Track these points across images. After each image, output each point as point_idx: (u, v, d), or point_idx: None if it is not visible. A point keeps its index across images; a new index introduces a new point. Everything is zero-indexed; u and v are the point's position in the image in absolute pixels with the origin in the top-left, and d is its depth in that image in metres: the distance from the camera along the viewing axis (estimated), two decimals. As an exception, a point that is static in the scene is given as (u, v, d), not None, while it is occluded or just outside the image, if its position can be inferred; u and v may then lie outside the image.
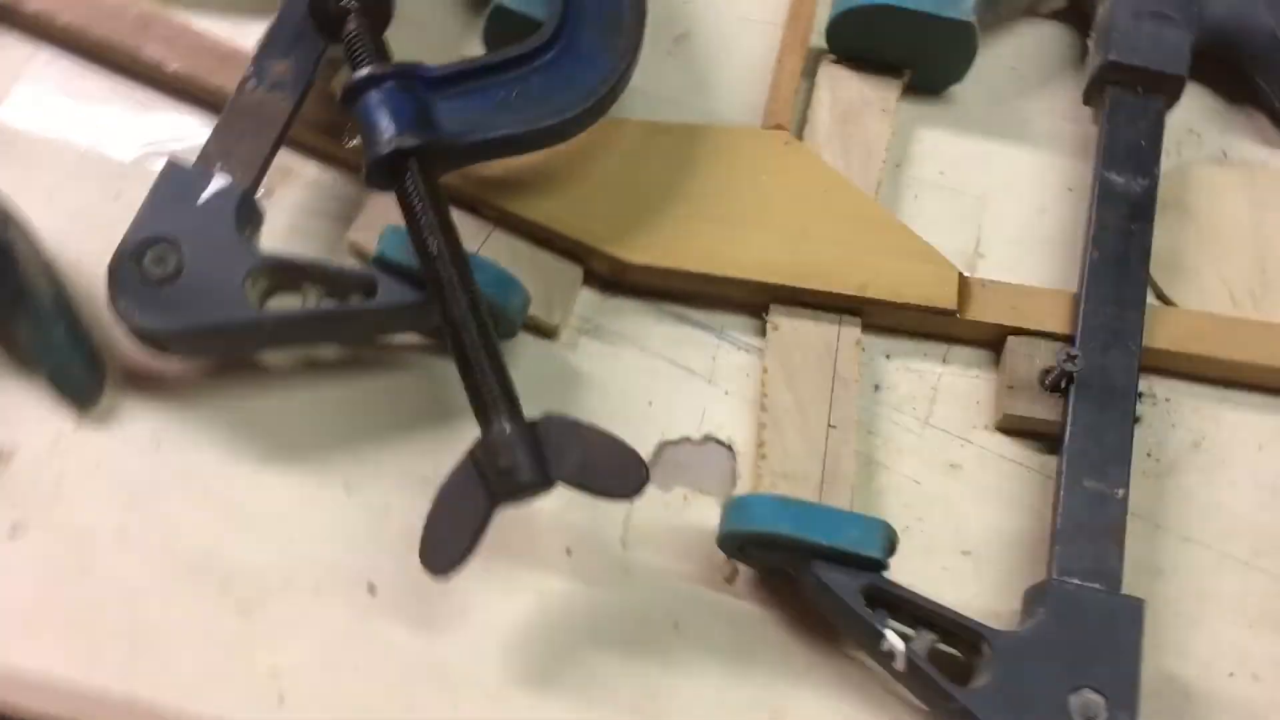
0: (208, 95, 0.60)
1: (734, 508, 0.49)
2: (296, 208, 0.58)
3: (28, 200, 0.57)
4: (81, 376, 0.54)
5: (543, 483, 0.45)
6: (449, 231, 0.49)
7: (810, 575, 0.47)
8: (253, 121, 0.55)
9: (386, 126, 0.49)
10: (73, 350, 0.53)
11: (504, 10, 0.56)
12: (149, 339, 0.51)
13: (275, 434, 0.54)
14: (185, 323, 0.50)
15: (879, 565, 0.47)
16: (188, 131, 0.60)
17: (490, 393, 0.46)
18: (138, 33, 0.60)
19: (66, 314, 0.54)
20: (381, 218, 0.57)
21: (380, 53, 0.52)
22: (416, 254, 0.49)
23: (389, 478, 0.53)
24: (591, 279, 0.57)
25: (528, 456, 0.45)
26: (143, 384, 0.55)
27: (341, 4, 0.52)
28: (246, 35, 0.62)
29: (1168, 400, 0.55)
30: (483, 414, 0.46)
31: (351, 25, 0.52)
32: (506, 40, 0.58)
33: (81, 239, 0.57)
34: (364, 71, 0.50)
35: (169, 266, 0.50)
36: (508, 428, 0.45)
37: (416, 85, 0.51)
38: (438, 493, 0.46)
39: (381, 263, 0.51)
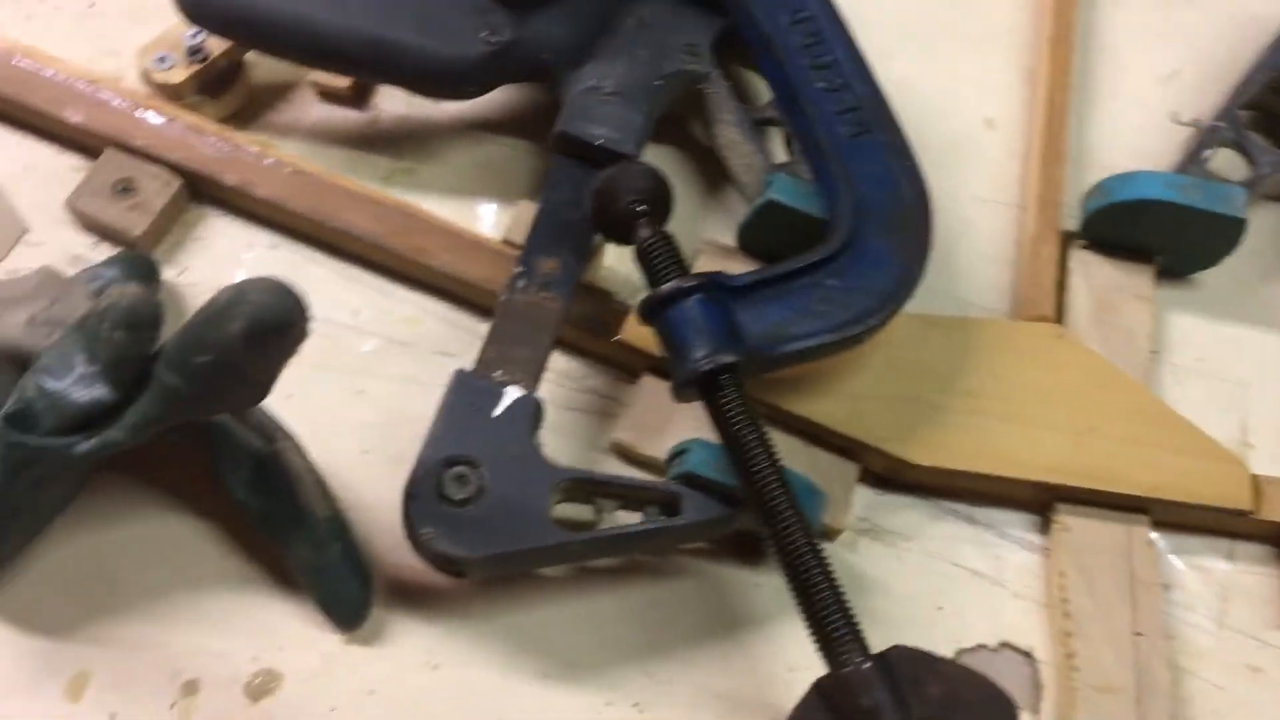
0: (449, 284, 0.58)
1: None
2: (548, 402, 0.57)
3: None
4: (354, 597, 0.51)
5: (904, 721, 0.44)
6: (768, 449, 0.47)
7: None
8: (527, 324, 0.53)
9: (701, 342, 0.48)
10: (347, 572, 0.51)
11: (777, 206, 0.55)
12: (446, 563, 0.49)
13: (555, 649, 0.52)
14: (494, 549, 0.47)
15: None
16: (425, 322, 0.58)
17: (839, 627, 0.45)
18: (380, 223, 0.58)
19: (342, 534, 0.51)
20: (648, 417, 0.55)
21: (678, 259, 0.50)
22: (738, 474, 0.47)
23: (682, 696, 0.51)
24: (863, 475, 0.56)
25: (889, 695, 0.43)
26: (412, 600, 0.52)
27: (632, 209, 0.51)
28: (474, 218, 0.61)
29: None
30: (831, 648, 0.45)
31: (646, 232, 0.51)
32: (769, 233, 0.57)
33: (327, 440, 0.55)
34: (673, 285, 0.49)
35: (470, 488, 0.48)
36: (865, 664, 0.44)
37: (721, 295, 0.50)
38: (783, 730, 0.45)
39: (689, 479, 0.50)
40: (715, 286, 0.49)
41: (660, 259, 0.50)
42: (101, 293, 0.53)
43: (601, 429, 0.56)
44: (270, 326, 0.44)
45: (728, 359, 0.48)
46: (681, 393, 0.49)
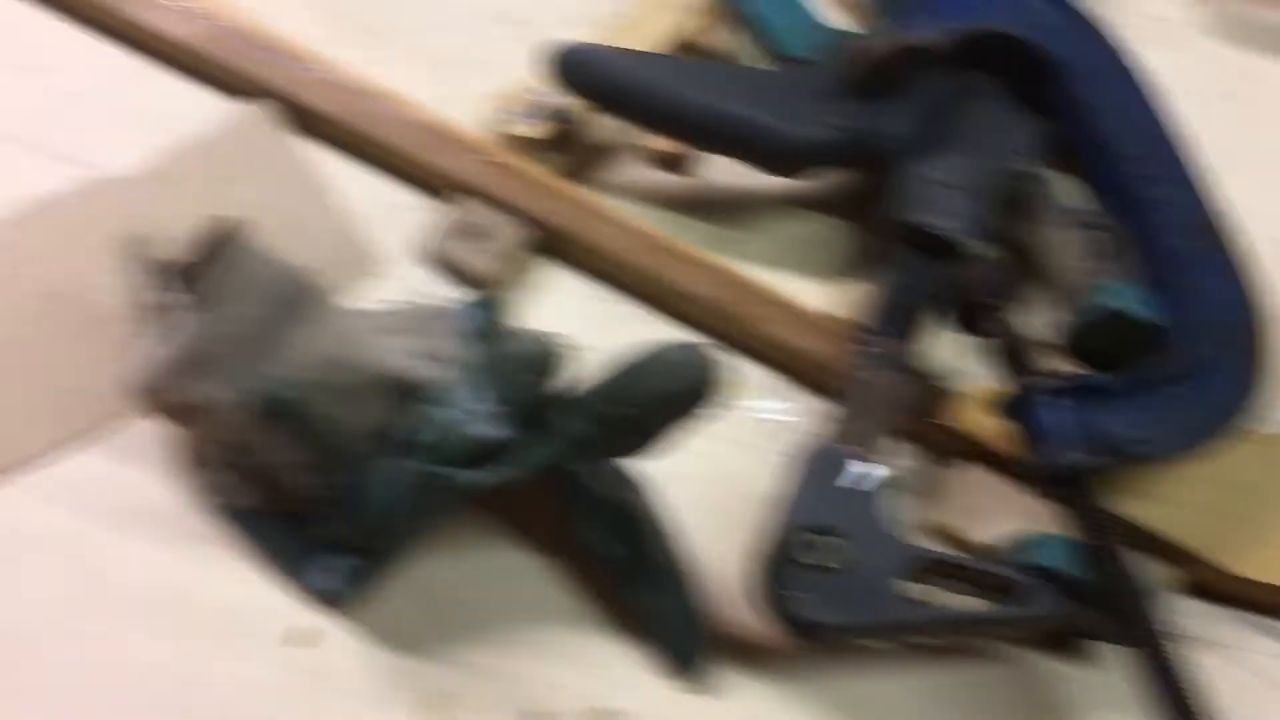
0: (777, 353, 0.61)
1: None
2: (869, 478, 0.59)
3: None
4: (692, 646, 0.53)
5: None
6: (1123, 549, 0.49)
7: None
8: (871, 401, 0.55)
9: (1069, 441, 0.50)
10: (684, 622, 0.53)
11: (1120, 313, 0.57)
12: (800, 627, 0.50)
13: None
14: (855, 618, 0.49)
15: None
16: (749, 388, 0.60)
17: (1204, 733, 0.46)
18: (716, 287, 0.61)
19: (683, 585, 0.53)
20: (974, 503, 0.57)
21: (1031, 356, 0.53)
22: (1098, 571, 0.49)
23: (997, 780, 0.53)
24: (1178, 583, 0.57)
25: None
26: (739, 656, 0.54)
27: (992, 303, 0.53)
28: (791, 292, 0.64)
29: None
30: (1195, 754, 0.46)
31: (1004, 328, 0.53)
32: (1101, 337, 0.59)
33: (660, 493, 0.56)
34: (1051, 383, 0.51)
35: (831, 556, 0.50)
36: (1231, 774, 0.45)
37: (1083, 395, 0.52)
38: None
39: (1040, 571, 0.51)
40: (1085, 388, 0.51)
41: (1021, 355, 0.52)
42: (469, 332, 0.56)
43: (910, 507, 0.58)
44: (693, 391, 0.46)
45: (1102, 461, 0.50)
46: (1047, 489, 0.50)
